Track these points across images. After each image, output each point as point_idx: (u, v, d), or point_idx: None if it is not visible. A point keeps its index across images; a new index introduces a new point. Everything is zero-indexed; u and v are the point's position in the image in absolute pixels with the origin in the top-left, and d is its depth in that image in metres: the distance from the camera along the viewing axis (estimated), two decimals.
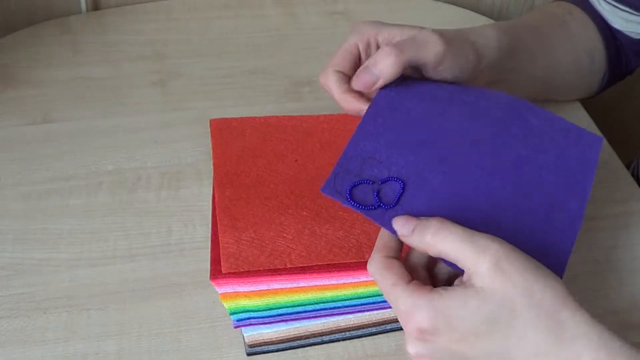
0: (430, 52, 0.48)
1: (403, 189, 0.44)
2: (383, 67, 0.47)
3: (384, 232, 0.44)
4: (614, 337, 0.38)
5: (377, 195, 0.44)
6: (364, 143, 0.47)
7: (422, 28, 0.50)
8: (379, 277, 0.42)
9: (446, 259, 0.40)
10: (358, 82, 0.48)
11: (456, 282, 0.41)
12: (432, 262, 0.45)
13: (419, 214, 0.43)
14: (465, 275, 0.40)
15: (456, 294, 0.39)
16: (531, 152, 0.48)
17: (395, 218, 0.43)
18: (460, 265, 0.40)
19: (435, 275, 0.44)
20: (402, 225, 0.42)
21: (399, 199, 0.44)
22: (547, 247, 0.44)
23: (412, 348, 0.41)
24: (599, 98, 0.79)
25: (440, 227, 0.40)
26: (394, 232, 0.43)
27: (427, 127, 0.48)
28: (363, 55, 0.52)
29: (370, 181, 0.45)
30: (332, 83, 0.50)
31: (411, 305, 0.39)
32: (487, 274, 0.38)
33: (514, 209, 0.45)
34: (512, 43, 0.57)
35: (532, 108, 0.52)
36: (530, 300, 0.38)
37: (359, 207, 0.44)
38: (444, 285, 0.43)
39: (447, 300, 0.39)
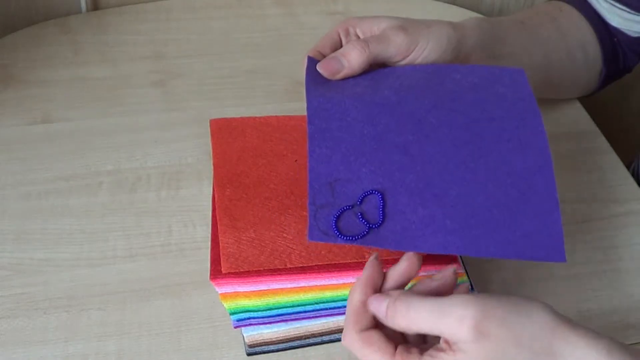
0: (392, 46, 0.51)
1: (383, 199, 0.43)
2: (350, 58, 0.50)
3: (350, 305, 0.42)
4: (613, 350, 0.38)
5: (362, 217, 0.42)
6: (321, 167, 0.44)
7: (398, 18, 0.54)
8: (360, 354, 0.41)
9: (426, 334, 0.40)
10: (323, 67, 0.51)
11: (441, 343, 0.40)
12: None
13: (409, 219, 0.42)
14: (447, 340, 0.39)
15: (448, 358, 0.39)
16: (476, 111, 0.47)
17: (370, 300, 0.41)
18: (441, 336, 0.39)
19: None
20: (377, 309, 0.41)
21: (383, 212, 0.42)
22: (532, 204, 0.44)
23: None
24: (599, 98, 0.79)
25: (408, 308, 0.39)
26: (396, 248, 0.41)
27: (370, 123, 0.46)
28: (344, 41, 0.54)
29: (348, 206, 0.42)
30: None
31: None
32: (470, 339, 0.38)
33: (486, 172, 0.44)
34: (495, 29, 0.58)
35: (456, 68, 0.51)
36: (521, 346, 0.38)
37: (352, 239, 0.41)
38: (417, 337, 0.43)
39: None
